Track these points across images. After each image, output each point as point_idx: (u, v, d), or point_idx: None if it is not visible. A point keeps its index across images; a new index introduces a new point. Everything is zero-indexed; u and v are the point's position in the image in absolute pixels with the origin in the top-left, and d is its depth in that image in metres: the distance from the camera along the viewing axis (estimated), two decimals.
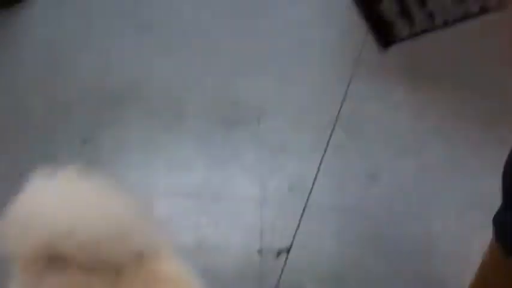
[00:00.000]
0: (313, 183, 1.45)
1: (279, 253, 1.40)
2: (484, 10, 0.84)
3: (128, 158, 1.48)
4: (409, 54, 1.66)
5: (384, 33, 0.91)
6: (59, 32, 1.64)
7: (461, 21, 0.89)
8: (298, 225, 1.41)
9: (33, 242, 0.99)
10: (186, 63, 1.65)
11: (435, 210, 1.49)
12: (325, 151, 1.49)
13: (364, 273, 1.40)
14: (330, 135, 1.54)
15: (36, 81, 1.56)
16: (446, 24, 0.88)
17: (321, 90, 1.67)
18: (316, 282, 1.38)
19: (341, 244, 1.43)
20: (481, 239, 1.07)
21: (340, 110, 1.60)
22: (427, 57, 1.69)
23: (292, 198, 1.49)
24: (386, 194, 1.51)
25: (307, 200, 1.45)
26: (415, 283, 1.34)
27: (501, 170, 0.97)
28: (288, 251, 1.37)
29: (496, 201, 0.96)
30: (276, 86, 1.64)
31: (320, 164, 1.48)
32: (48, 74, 1.57)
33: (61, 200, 1.02)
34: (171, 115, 1.58)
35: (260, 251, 1.40)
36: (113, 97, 1.58)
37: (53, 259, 0.99)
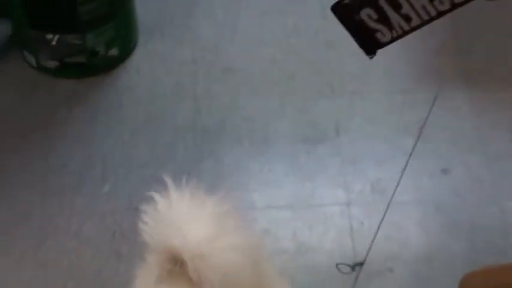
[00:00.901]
0: (398, 184, 1.65)
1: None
2: (454, 6, 0.89)
3: (226, 183, 1.70)
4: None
5: (367, 41, 0.94)
6: (154, 89, 1.92)
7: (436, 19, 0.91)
8: (382, 219, 1.60)
9: (166, 244, 1.07)
10: (266, 95, 1.89)
11: (508, 194, 1.66)
12: (409, 155, 1.67)
13: (449, 256, 1.58)
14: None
15: (139, 132, 1.83)
16: (422, 24, 0.91)
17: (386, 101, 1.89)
18: (404, 265, 1.56)
19: (424, 232, 1.61)
20: None
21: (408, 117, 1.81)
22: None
23: (375, 199, 1.69)
24: (460, 185, 1.69)
25: (391, 198, 1.64)
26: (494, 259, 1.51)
27: None
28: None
29: None
30: (347, 103, 1.87)
31: (405, 166, 1.67)
32: (148, 125, 1.85)
33: (195, 217, 1.10)
34: (259, 142, 1.80)
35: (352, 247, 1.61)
36: (206, 134, 1.83)
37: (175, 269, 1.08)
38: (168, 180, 1.07)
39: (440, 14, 0.89)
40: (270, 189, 1.72)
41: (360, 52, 0.98)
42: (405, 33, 0.92)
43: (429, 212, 1.65)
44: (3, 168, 1.74)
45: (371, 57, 0.96)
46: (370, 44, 0.94)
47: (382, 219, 1.59)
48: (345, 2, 0.92)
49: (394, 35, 0.92)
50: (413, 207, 1.66)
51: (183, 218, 1.09)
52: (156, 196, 1.09)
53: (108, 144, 1.77)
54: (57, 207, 1.66)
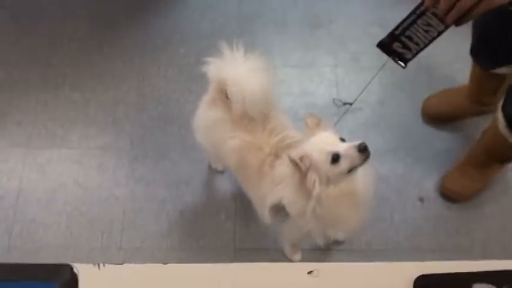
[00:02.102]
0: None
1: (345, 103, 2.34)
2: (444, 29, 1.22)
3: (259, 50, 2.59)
4: None
5: (399, 59, 1.30)
6: None
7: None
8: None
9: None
10: None
11: None
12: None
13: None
14: None
15: (203, 15, 2.69)
16: (427, 44, 1.27)
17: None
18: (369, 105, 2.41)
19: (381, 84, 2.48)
20: None
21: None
22: None
23: (352, 65, 2.56)
24: None
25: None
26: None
27: None
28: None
29: None
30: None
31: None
32: (210, 10, 2.68)
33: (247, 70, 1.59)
34: (276, 26, 2.63)
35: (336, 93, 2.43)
36: (246, 19, 2.64)
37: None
38: (224, 45, 1.61)
39: (439, 33, 1.25)
40: (286, 54, 2.55)
41: None
42: (418, 52, 1.31)
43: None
44: (117, 37, 2.60)
45: (404, 68, 1.30)
46: (401, 60, 1.32)
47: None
48: (383, 40, 1.27)
49: (414, 52, 1.29)
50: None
51: (232, 63, 1.62)
52: (218, 53, 1.59)
53: (184, 21, 2.65)
54: (150, 60, 2.54)
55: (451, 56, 2.47)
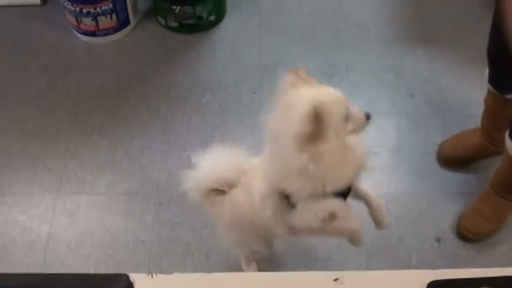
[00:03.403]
0: None
1: None
2: None
3: None
4: None
5: None
6: (234, 40, 2.92)
7: None
8: None
9: None
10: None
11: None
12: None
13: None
14: None
15: (225, 65, 2.82)
16: None
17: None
18: None
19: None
20: None
21: None
22: None
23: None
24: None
25: None
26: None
27: None
28: None
29: None
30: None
31: None
32: (231, 60, 2.83)
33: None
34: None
35: None
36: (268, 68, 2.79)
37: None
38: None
39: None
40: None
41: None
42: None
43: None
44: (142, 89, 2.75)
45: None
46: None
47: None
48: None
49: None
50: (391, 117, 2.59)
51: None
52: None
53: (206, 72, 2.80)
54: (174, 109, 2.66)
55: (462, 101, 2.57)
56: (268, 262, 2.12)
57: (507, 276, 1.06)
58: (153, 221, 2.32)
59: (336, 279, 1.05)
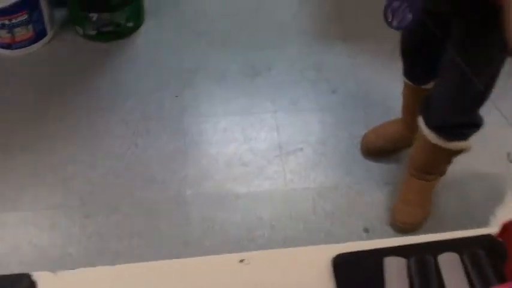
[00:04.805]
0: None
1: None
2: None
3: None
4: None
5: None
6: (154, 44, 2.92)
7: None
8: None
9: None
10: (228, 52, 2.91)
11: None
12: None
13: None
14: None
15: (147, 71, 2.81)
16: None
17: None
18: (310, 146, 2.58)
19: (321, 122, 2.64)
20: None
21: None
22: None
23: (291, 109, 2.69)
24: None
25: None
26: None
27: None
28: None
29: None
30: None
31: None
32: (152, 67, 2.83)
33: None
34: (217, 78, 2.78)
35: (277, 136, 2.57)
36: (188, 74, 2.79)
37: None
38: None
39: None
40: (227, 103, 2.67)
41: None
42: None
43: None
44: (63, 101, 2.69)
45: None
46: None
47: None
48: None
49: None
50: (314, 113, 2.65)
51: None
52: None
53: (128, 79, 2.76)
54: (97, 119, 2.62)
55: (383, 94, 2.64)
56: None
57: (411, 245, 1.09)
58: (80, 233, 2.27)
59: (241, 261, 1.05)
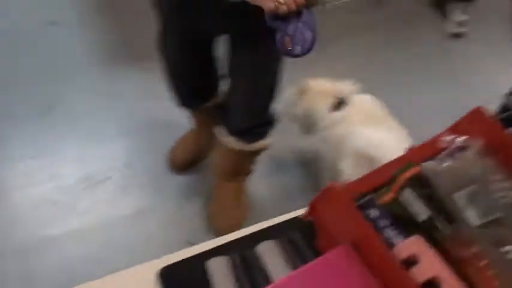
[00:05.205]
0: None
1: None
2: None
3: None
4: None
5: None
6: None
7: None
8: None
9: None
10: None
11: None
12: None
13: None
14: None
15: None
16: None
17: None
18: (118, 171, 2.55)
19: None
20: None
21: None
22: None
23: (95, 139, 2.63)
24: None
25: None
26: None
27: None
28: None
29: None
30: None
31: None
32: None
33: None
34: (11, 118, 2.64)
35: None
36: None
37: None
38: None
39: None
40: (23, 146, 2.52)
41: None
42: None
43: None
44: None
45: None
46: None
47: None
48: None
49: None
50: (116, 139, 2.60)
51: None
52: None
53: None
54: None
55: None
56: None
57: (229, 242, 1.15)
58: None
59: None
